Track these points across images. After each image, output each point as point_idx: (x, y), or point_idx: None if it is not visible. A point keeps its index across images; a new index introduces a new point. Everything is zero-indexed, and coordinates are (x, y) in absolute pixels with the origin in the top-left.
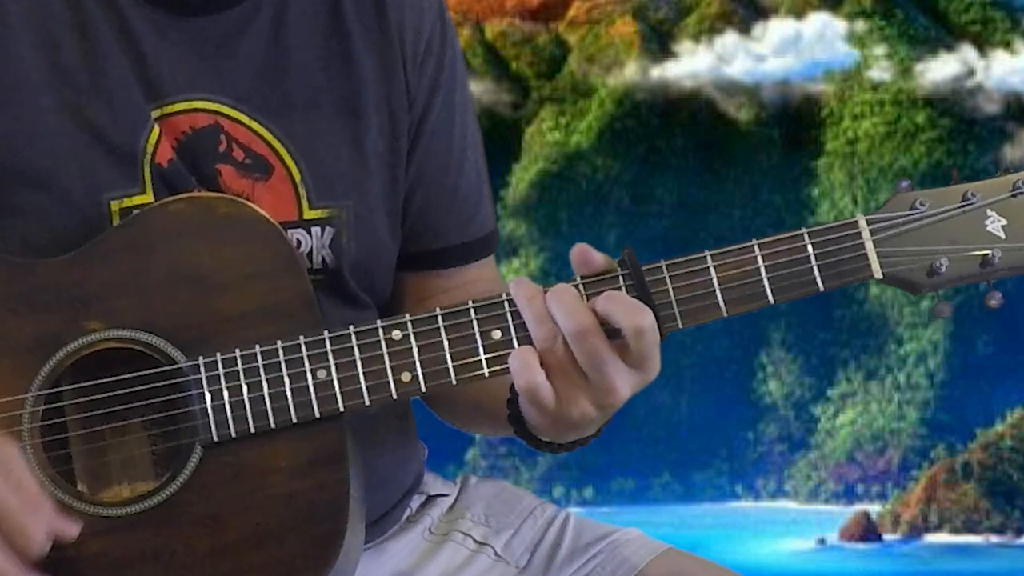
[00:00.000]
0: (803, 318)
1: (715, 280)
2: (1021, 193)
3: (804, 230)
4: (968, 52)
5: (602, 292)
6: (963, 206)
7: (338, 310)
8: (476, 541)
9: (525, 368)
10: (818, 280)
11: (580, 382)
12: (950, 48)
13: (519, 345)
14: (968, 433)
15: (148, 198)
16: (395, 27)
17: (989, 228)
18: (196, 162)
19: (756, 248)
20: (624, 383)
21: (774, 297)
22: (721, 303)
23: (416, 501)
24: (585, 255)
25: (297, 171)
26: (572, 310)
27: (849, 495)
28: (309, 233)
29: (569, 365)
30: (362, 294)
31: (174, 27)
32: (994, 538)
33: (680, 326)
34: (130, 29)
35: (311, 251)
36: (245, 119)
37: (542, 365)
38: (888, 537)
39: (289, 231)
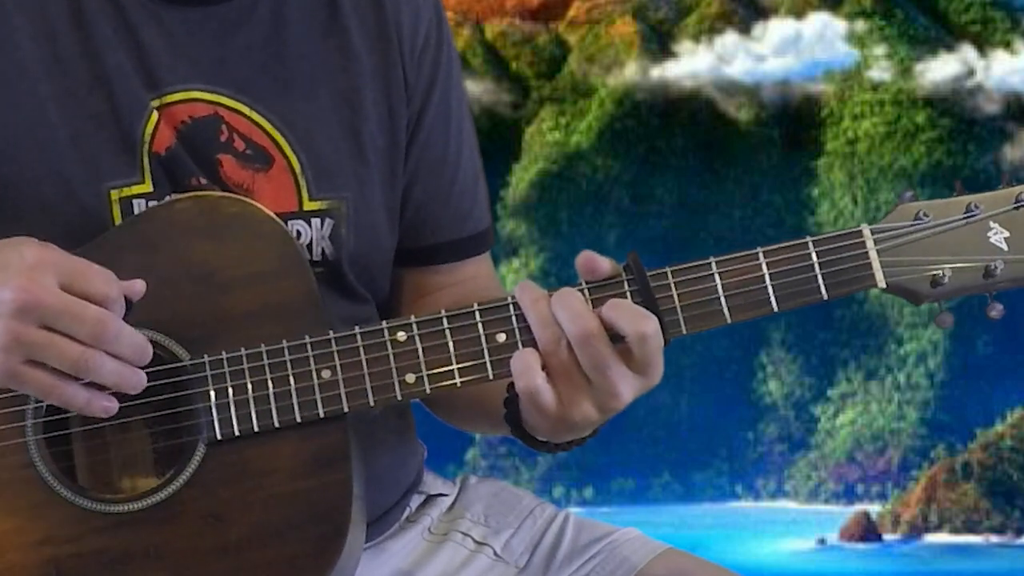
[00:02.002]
0: (803, 318)
1: (719, 287)
2: None
3: (808, 238)
4: (968, 52)
5: (607, 297)
6: (966, 218)
7: (337, 303)
8: (475, 541)
9: (526, 370)
10: (822, 289)
11: (583, 385)
12: (950, 48)
13: (523, 348)
14: (968, 433)
15: (147, 187)
16: (392, 23)
17: (992, 240)
18: (197, 151)
19: (761, 256)
20: (627, 387)
21: (778, 305)
22: (725, 310)
23: (415, 501)
24: (591, 263)
25: (297, 162)
26: (577, 313)
27: (849, 495)
28: (309, 224)
29: (572, 368)
30: (361, 288)
31: (173, 18)
32: (994, 538)
33: (684, 332)
34: (128, 19)
35: (311, 242)
36: (246, 109)
37: (545, 368)
38: (888, 537)
39: (289, 222)
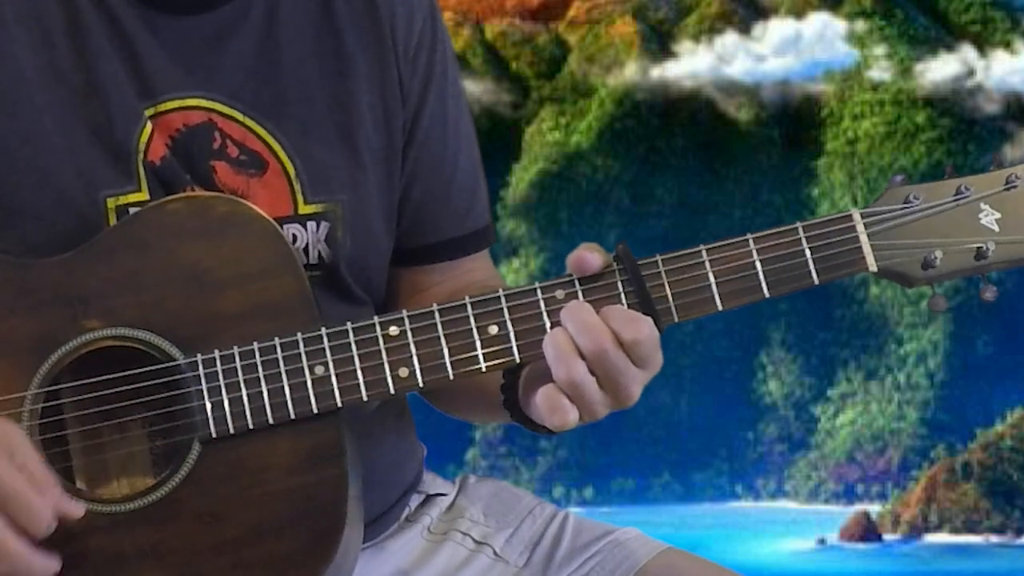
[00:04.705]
0: (803, 318)
1: (710, 274)
2: (1015, 187)
3: (799, 224)
4: (968, 52)
5: (598, 289)
6: (957, 199)
7: (335, 306)
8: (475, 540)
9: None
10: (813, 273)
11: (599, 397)
12: (950, 48)
13: (516, 340)
14: (968, 433)
15: (144, 195)
16: (387, 23)
17: (983, 221)
18: (191, 159)
19: (751, 242)
20: (637, 386)
21: (769, 291)
22: (716, 297)
23: (415, 500)
24: (581, 263)
25: (291, 166)
26: (589, 327)
27: (849, 495)
28: (304, 228)
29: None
30: (358, 290)
31: (166, 26)
32: (994, 538)
33: (676, 320)
34: (122, 28)
35: (307, 246)
36: (239, 116)
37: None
38: (888, 537)
39: (284, 226)
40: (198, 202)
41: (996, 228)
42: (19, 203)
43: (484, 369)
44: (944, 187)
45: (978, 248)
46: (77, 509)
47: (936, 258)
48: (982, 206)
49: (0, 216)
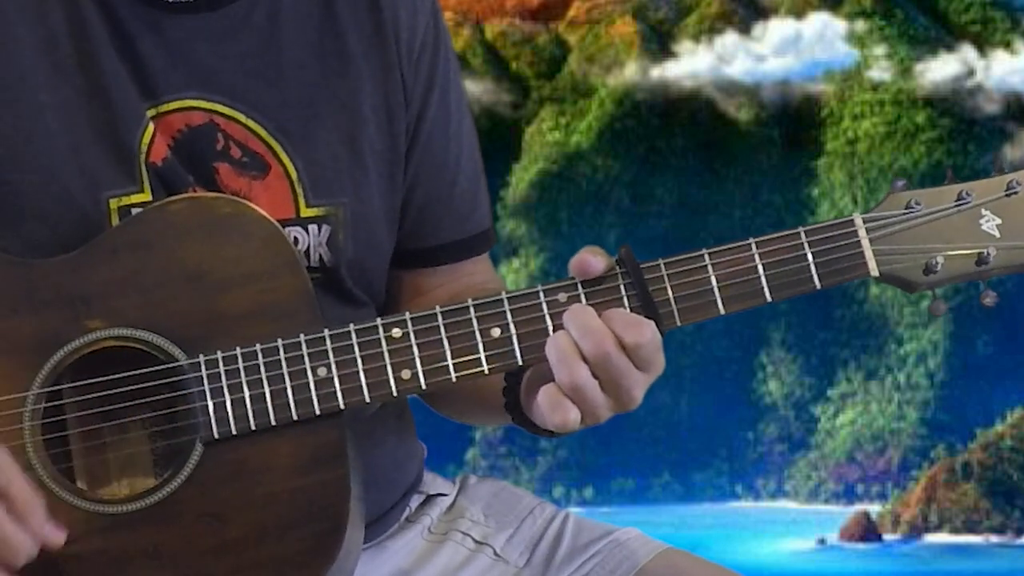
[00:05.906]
0: (803, 318)
1: (713, 278)
2: (1015, 193)
3: (801, 228)
4: (968, 52)
5: (601, 292)
6: (958, 205)
7: (336, 308)
8: (475, 540)
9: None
10: (815, 278)
11: (602, 400)
12: (950, 48)
13: (518, 343)
14: (968, 433)
15: (146, 196)
16: (390, 26)
17: (984, 227)
18: (194, 160)
19: (753, 246)
20: (640, 390)
21: (771, 295)
22: (719, 301)
23: (415, 500)
24: (584, 266)
25: (294, 169)
26: (591, 330)
27: (849, 495)
28: (306, 231)
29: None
30: (359, 292)
31: (168, 26)
32: (994, 538)
33: (678, 323)
34: (124, 29)
35: (308, 249)
36: (242, 117)
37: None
38: (888, 537)
39: (286, 229)
40: (201, 203)
41: (997, 234)
42: (22, 203)
43: (487, 371)
44: (945, 193)
45: (979, 254)
46: (58, 537)
47: (937, 263)
48: (983, 212)
49: (2, 215)
